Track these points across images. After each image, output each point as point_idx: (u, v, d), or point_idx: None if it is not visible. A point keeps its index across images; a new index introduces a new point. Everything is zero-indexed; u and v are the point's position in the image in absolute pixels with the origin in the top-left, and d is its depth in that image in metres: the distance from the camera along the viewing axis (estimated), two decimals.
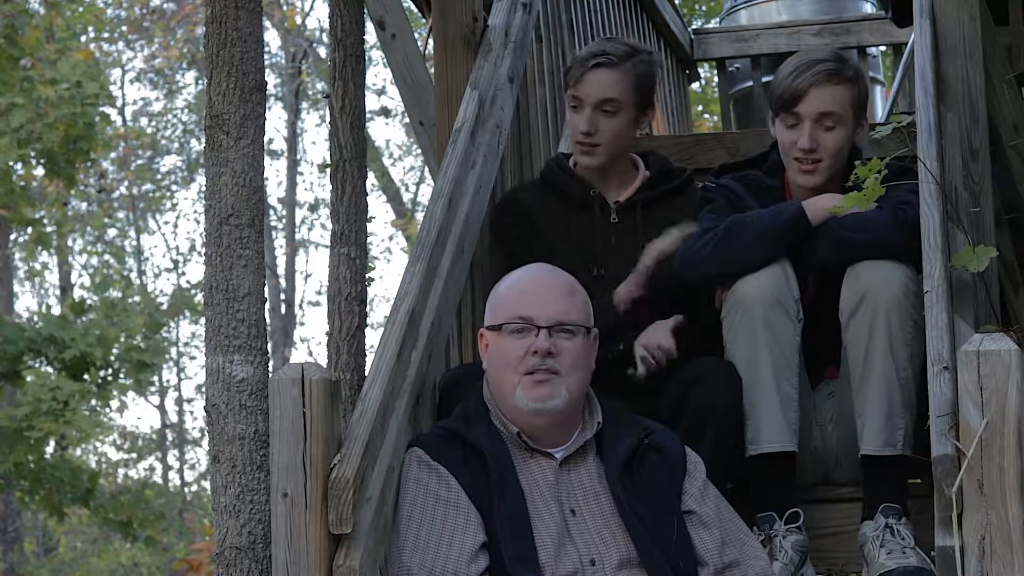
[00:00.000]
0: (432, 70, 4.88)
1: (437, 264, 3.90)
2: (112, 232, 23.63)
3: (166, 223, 31.29)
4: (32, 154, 12.87)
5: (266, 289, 3.82)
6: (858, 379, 3.83)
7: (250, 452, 3.66)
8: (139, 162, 22.49)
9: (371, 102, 22.84)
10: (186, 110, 22.92)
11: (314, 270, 24.26)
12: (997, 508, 3.13)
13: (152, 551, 17.52)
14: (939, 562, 3.20)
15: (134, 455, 25.01)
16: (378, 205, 22.50)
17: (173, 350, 23.72)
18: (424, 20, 5.21)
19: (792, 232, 3.92)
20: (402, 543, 3.33)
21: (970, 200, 3.96)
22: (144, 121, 23.11)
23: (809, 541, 3.82)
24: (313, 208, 23.66)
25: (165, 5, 20.39)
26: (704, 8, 15.58)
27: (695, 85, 9.20)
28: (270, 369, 3.72)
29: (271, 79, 19.16)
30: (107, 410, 18.01)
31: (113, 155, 20.56)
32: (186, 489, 24.46)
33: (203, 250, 3.83)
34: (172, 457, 25.56)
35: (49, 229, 15.79)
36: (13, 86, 12.36)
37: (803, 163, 4.04)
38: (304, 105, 22.74)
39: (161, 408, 25.10)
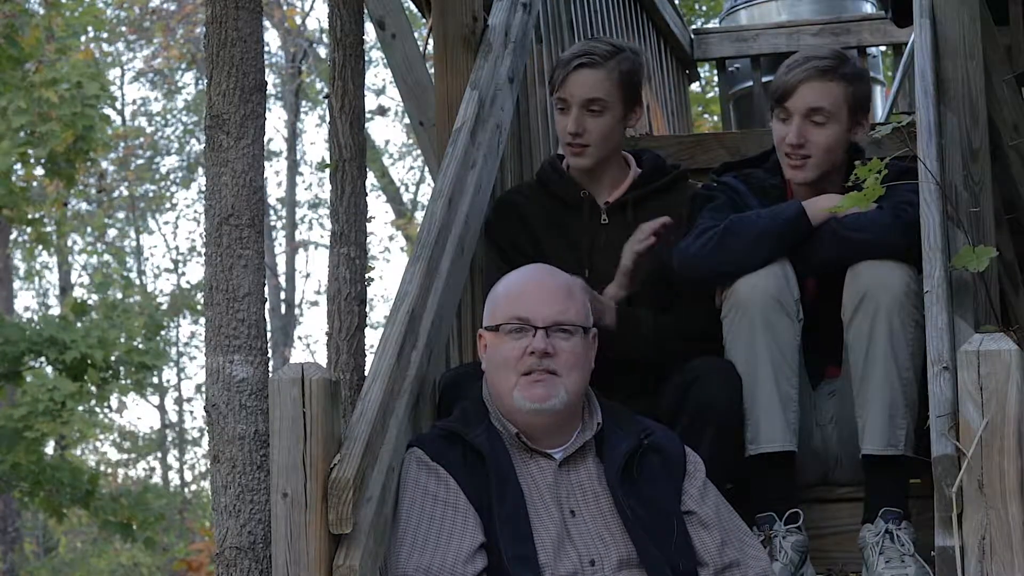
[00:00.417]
0: (432, 70, 4.88)
1: (437, 264, 3.90)
2: (112, 232, 23.65)
3: (166, 223, 31.34)
4: (32, 155, 12.86)
5: (266, 289, 3.82)
6: (859, 379, 3.83)
7: (250, 452, 3.66)
8: (139, 162, 22.49)
9: (371, 102, 22.83)
10: (186, 110, 22.93)
11: (314, 270, 24.28)
12: (997, 508, 3.13)
13: (152, 551, 17.50)
14: (939, 562, 3.19)
15: (134, 455, 25.02)
16: (378, 205, 22.54)
17: (173, 350, 23.73)
18: (424, 20, 5.21)
19: (792, 232, 3.92)
20: (400, 543, 3.33)
21: (970, 200, 3.96)
22: (144, 121, 23.12)
23: (809, 541, 3.82)
24: (313, 208, 23.68)
25: (165, 5, 20.40)
26: (704, 8, 15.57)
27: (695, 85, 9.20)
28: (270, 369, 3.72)
29: (271, 79, 19.16)
30: (105, 410, 17.99)
31: (113, 155, 20.56)
32: (186, 489, 24.46)
33: (203, 250, 3.83)
34: (172, 457, 25.57)
35: (49, 229, 15.77)
36: (13, 87, 12.35)
37: (792, 158, 4.05)
38: (304, 105, 22.76)
39: (161, 408, 25.11)
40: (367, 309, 4.46)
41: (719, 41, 7.65)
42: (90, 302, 15.03)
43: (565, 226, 4.23)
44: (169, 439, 25.33)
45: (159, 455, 25.36)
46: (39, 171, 13.52)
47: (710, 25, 13.14)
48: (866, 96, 4.10)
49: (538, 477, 3.47)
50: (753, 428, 3.84)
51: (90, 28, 15.94)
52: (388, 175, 22.61)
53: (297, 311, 23.13)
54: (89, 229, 22.20)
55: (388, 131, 30.71)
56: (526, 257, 4.03)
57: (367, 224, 4.40)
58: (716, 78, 9.08)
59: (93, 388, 13.81)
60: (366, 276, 4.37)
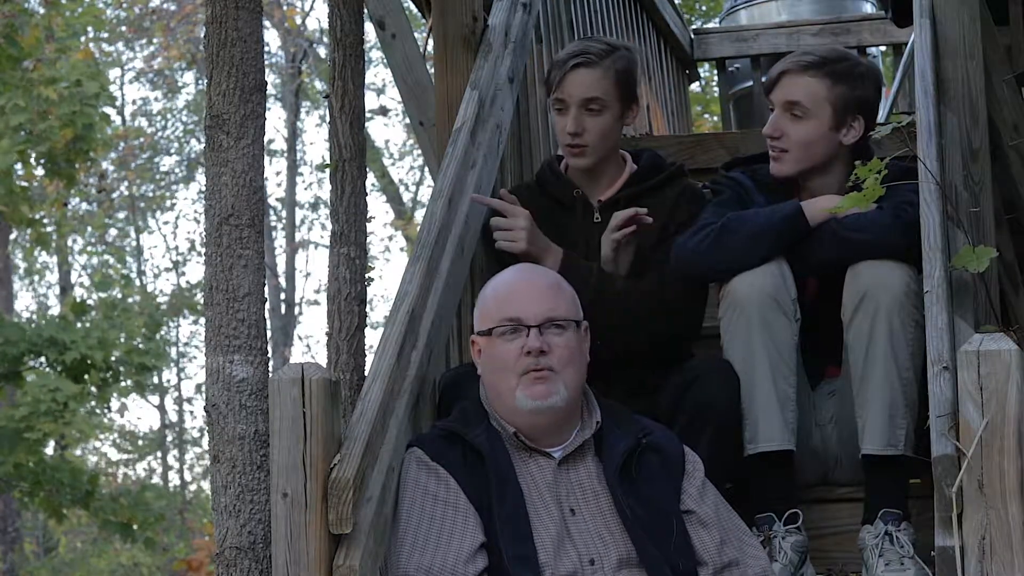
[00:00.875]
0: (432, 70, 4.88)
1: (437, 264, 3.90)
2: (112, 232, 23.65)
3: (166, 223, 31.33)
4: (32, 154, 12.85)
5: (266, 289, 3.82)
6: (859, 379, 3.83)
7: (250, 452, 3.66)
8: (139, 162, 22.49)
9: (371, 102, 22.84)
10: (186, 110, 22.93)
11: (314, 270, 24.27)
12: (997, 508, 3.13)
13: (152, 551, 17.50)
14: (939, 562, 3.20)
15: (134, 455, 25.02)
16: (378, 205, 22.53)
17: (173, 350, 23.73)
18: (424, 20, 5.21)
19: (789, 231, 3.92)
20: (400, 543, 3.33)
21: (970, 200, 3.96)
22: (144, 121, 23.12)
23: (808, 541, 3.82)
24: (313, 208, 23.68)
25: (165, 5, 20.40)
26: (704, 8, 15.57)
27: (695, 85, 9.20)
28: (270, 369, 3.72)
29: (271, 79, 19.16)
30: (106, 411, 17.99)
31: (113, 155, 20.56)
32: (186, 489, 24.46)
33: (203, 250, 3.83)
34: (172, 457, 25.57)
35: (49, 229, 15.77)
36: (13, 86, 12.35)
37: (771, 150, 4.05)
38: (304, 105, 22.75)
39: (161, 408, 25.10)
40: (367, 309, 4.46)
41: (719, 41, 7.65)
42: (90, 302, 15.03)
43: (561, 226, 4.23)
44: (169, 439, 25.33)
45: (159, 455, 25.36)
46: (39, 171, 13.51)
47: (710, 25, 13.14)
48: (862, 99, 4.05)
49: (538, 476, 3.47)
50: (751, 428, 3.84)
51: (90, 28, 15.93)
52: (388, 175, 22.61)
53: (297, 311, 23.14)
54: (89, 229, 22.20)
55: (388, 131, 30.73)
56: (516, 258, 4.03)
57: (367, 224, 4.40)
58: (716, 78, 9.08)
59: (94, 389, 13.80)
60: (366, 276, 4.37)
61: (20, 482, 13.47)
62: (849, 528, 3.88)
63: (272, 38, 21.45)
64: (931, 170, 3.77)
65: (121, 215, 23.42)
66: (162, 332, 15.45)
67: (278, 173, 22.92)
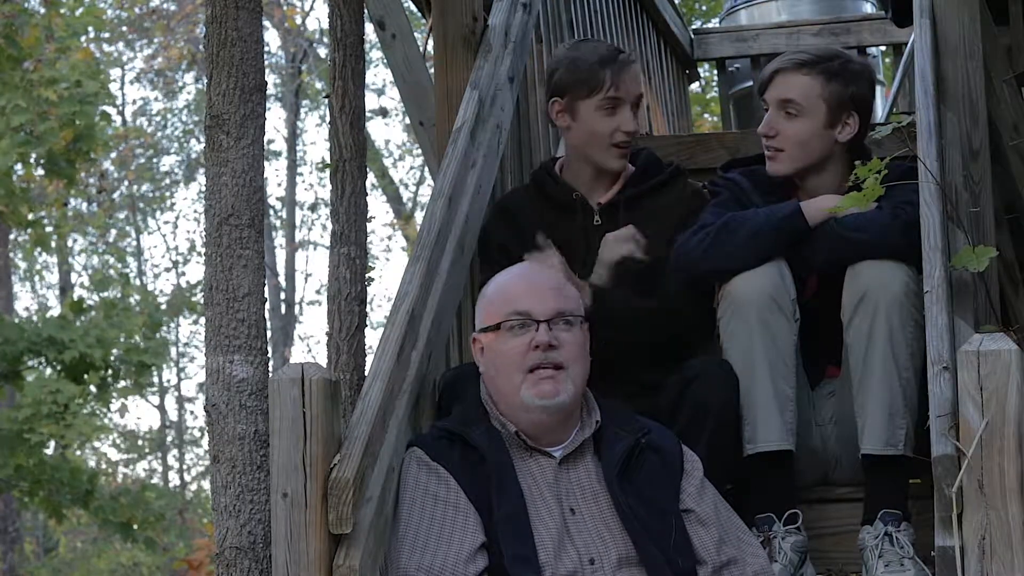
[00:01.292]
0: (432, 70, 4.88)
1: (437, 264, 3.90)
2: (112, 232, 23.64)
3: (166, 223, 31.33)
4: (32, 155, 12.85)
5: (266, 289, 3.82)
6: (859, 379, 3.83)
7: (250, 452, 3.66)
8: (139, 162, 22.49)
9: (371, 102, 22.84)
10: (186, 110, 22.94)
11: (314, 270, 24.27)
12: (997, 508, 3.13)
13: (152, 551, 17.50)
14: (939, 562, 3.20)
15: (134, 455, 25.02)
16: (378, 205, 22.53)
17: (173, 350, 23.73)
18: (424, 20, 5.21)
19: (788, 231, 3.92)
20: (400, 543, 3.33)
21: (970, 200, 3.96)
22: (144, 121, 23.12)
23: (808, 541, 3.82)
24: (313, 208, 23.68)
25: (165, 5, 20.40)
26: (704, 8, 15.57)
27: (695, 85, 9.20)
28: (270, 369, 3.72)
29: (271, 79, 19.16)
30: (106, 412, 17.99)
31: (113, 155, 20.56)
32: (186, 489, 24.46)
33: (203, 250, 3.83)
34: (172, 457, 25.57)
35: (49, 229, 15.77)
36: (14, 87, 12.35)
37: (767, 149, 4.05)
38: (304, 105, 22.75)
39: (161, 408, 25.11)
40: (367, 309, 4.46)
41: (719, 41, 7.65)
42: (89, 302, 15.03)
43: (559, 229, 4.22)
44: (169, 439, 25.33)
45: (159, 455, 25.36)
46: (39, 172, 13.51)
47: (710, 25, 13.14)
48: (856, 96, 4.05)
49: (538, 476, 3.47)
50: (751, 428, 3.84)
51: (90, 28, 15.93)
52: (388, 175, 22.61)
53: (297, 311, 23.14)
54: (90, 229, 22.20)
55: (388, 131, 30.73)
56: (512, 261, 4.03)
57: (367, 224, 4.40)
58: (716, 78, 9.08)
59: (93, 389, 13.81)
60: (366, 276, 4.37)
61: (20, 482, 13.47)
62: (849, 528, 3.88)
63: (272, 38, 21.47)
64: (931, 170, 3.77)
65: (121, 215, 23.42)
66: (162, 331, 15.44)
67: (278, 173, 22.96)
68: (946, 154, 3.95)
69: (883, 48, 8.17)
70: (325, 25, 20.68)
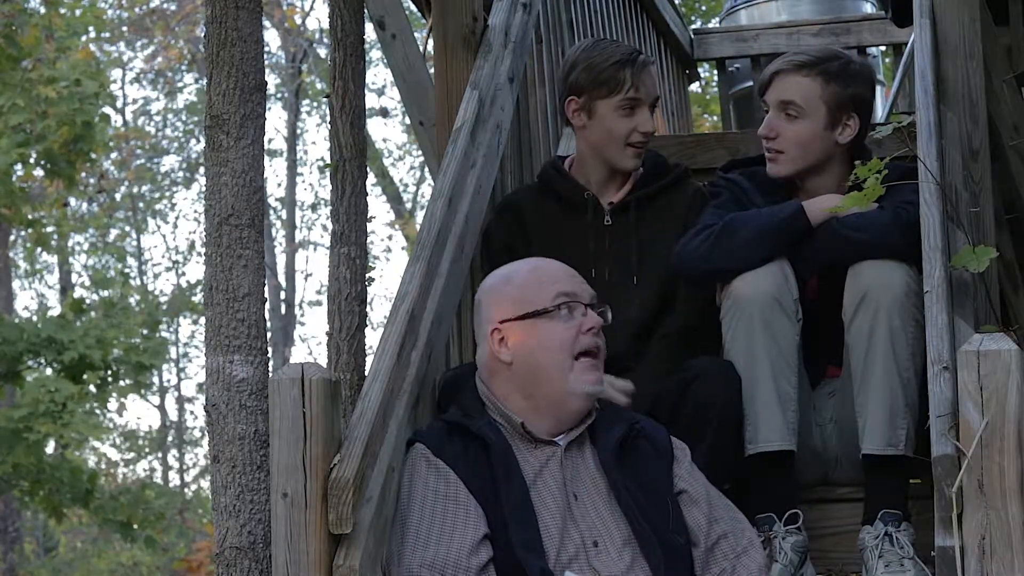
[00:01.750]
0: (432, 70, 4.88)
1: (437, 264, 3.90)
2: (112, 232, 23.64)
3: (166, 223, 31.35)
4: (32, 154, 12.85)
5: (266, 289, 3.82)
6: (859, 379, 3.83)
7: (250, 452, 3.66)
8: (139, 162, 22.50)
9: (371, 102, 22.83)
10: (186, 110, 22.93)
11: (314, 270, 24.28)
12: (997, 508, 3.13)
13: (152, 551, 17.51)
14: (939, 562, 3.20)
15: (134, 455, 25.02)
16: (378, 205, 22.52)
17: (173, 350, 23.73)
18: (424, 20, 5.21)
19: (790, 231, 3.92)
20: (403, 541, 3.34)
21: (970, 200, 3.96)
22: (144, 121, 23.12)
23: (808, 541, 3.82)
24: (313, 208, 23.68)
25: (165, 5, 20.40)
26: (704, 8, 15.57)
27: (695, 85, 9.20)
28: (270, 369, 3.72)
29: (271, 79, 19.16)
30: (105, 412, 18.00)
31: (113, 155, 20.56)
32: (186, 489, 24.46)
33: (203, 250, 3.83)
34: (172, 457, 25.57)
35: (49, 229, 15.77)
36: (13, 86, 12.35)
37: (767, 151, 4.06)
38: (304, 105, 22.75)
39: (161, 408, 25.11)
40: (367, 309, 4.47)
41: (719, 41, 7.65)
42: (89, 302, 15.03)
43: (567, 228, 4.22)
44: (169, 439, 25.33)
45: (159, 455, 25.36)
46: (39, 171, 13.52)
47: (710, 25, 13.15)
48: (856, 97, 4.04)
49: (542, 464, 3.48)
50: (752, 427, 3.84)
51: (90, 28, 15.93)
52: (388, 175, 22.60)
53: (297, 311, 23.14)
54: (90, 229, 22.20)
55: (388, 131, 30.72)
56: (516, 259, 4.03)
57: (367, 224, 4.40)
58: (716, 78, 9.08)
59: (93, 388, 13.80)
60: (366, 276, 4.37)
61: (20, 481, 13.47)
62: (849, 528, 3.88)
63: (272, 38, 21.46)
64: (931, 170, 3.77)
65: (121, 215, 23.43)
66: (161, 331, 15.44)
67: (278, 173, 22.96)
68: (946, 154, 3.95)
69: (883, 48, 8.17)
70: (325, 25, 20.69)
